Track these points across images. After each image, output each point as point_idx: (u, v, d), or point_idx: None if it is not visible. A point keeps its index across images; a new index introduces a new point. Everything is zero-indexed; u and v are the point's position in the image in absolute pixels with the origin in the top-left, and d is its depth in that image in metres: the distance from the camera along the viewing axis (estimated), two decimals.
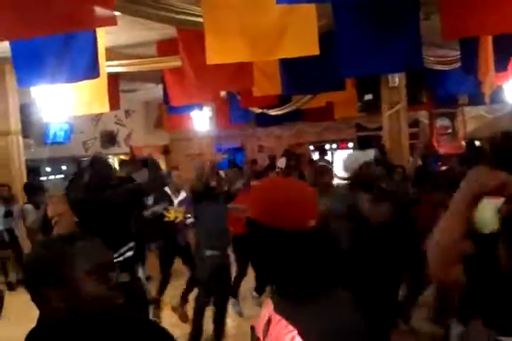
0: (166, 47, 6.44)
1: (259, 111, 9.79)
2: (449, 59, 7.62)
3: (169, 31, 5.70)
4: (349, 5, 4.37)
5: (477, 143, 10.73)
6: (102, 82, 5.25)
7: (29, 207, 6.75)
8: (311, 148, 13.59)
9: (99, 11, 3.49)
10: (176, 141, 13.04)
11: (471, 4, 3.82)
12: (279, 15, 4.10)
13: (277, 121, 10.79)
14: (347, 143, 13.42)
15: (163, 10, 4.50)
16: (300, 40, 4.17)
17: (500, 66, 5.73)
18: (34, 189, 6.84)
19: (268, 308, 1.29)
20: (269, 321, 1.26)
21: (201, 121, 11.27)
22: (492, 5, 3.75)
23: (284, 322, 1.18)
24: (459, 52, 6.65)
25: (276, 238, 1.19)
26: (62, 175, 11.13)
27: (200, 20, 4.42)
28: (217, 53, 4.22)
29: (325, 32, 4.68)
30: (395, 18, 4.36)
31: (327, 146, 13.31)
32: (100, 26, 4.13)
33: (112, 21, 3.61)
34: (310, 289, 1.18)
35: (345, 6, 4.39)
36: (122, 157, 11.52)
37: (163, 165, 13.39)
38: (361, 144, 12.37)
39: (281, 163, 9.99)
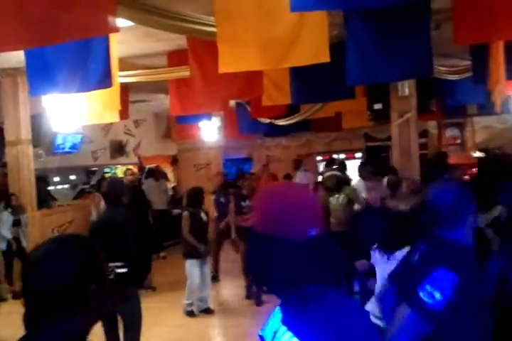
0: (176, 58, 6.47)
1: (268, 121, 9.79)
2: (459, 68, 7.62)
3: (180, 42, 5.73)
4: (360, 13, 4.39)
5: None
6: (114, 91, 5.26)
7: None
8: (319, 158, 13.57)
9: (102, 18, 3.54)
10: (185, 151, 13.06)
11: (485, 9, 3.82)
12: (291, 24, 4.11)
13: (285, 131, 10.80)
14: (354, 154, 13.38)
15: (176, 19, 4.53)
16: (311, 48, 4.17)
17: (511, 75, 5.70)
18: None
19: (276, 319, 1.28)
20: (275, 332, 1.26)
21: (210, 131, 11.30)
22: (505, 10, 3.74)
23: (288, 332, 1.18)
24: (468, 62, 6.64)
25: (269, 246, 1.18)
26: (69, 185, 11.17)
27: (212, 29, 4.43)
28: (229, 62, 4.22)
29: (336, 42, 4.70)
30: (406, 25, 4.36)
31: (335, 156, 13.26)
32: (103, 34, 4.13)
33: (113, 28, 3.67)
34: (308, 297, 1.17)
35: (356, 13, 4.41)
36: (130, 167, 11.57)
37: (170, 175, 13.45)
38: (370, 154, 12.35)
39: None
